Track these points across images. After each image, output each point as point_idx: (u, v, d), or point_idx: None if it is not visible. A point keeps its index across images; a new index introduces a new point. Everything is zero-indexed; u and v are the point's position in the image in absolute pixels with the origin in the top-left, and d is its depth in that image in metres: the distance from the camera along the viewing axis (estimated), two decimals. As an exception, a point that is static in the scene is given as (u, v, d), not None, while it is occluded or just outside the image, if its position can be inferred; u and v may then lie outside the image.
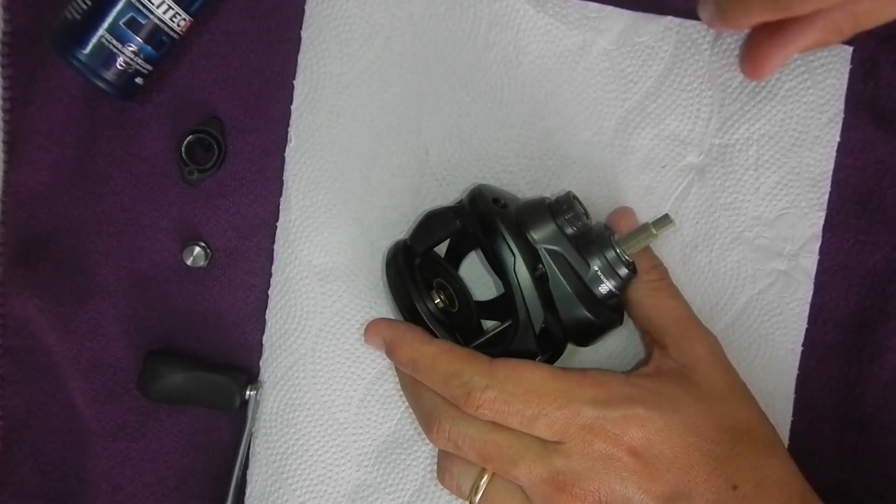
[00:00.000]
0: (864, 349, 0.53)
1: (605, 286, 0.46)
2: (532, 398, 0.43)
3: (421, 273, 0.48)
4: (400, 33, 0.52)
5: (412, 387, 0.47)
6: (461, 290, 0.51)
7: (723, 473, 0.43)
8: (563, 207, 0.46)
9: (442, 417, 0.45)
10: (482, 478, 0.45)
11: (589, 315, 0.45)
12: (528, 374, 0.43)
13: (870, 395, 0.53)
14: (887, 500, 0.53)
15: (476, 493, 0.45)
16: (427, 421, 0.46)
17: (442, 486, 0.48)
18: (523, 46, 0.52)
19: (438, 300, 0.49)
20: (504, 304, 0.51)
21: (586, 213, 0.47)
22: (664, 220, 0.46)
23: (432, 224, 0.48)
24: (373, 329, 0.49)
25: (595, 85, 0.52)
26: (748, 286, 0.53)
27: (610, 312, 0.47)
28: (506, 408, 0.43)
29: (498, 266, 0.45)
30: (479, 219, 0.46)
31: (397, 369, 0.49)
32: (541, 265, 0.45)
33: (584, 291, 0.45)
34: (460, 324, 0.49)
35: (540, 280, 0.45)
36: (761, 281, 0.53)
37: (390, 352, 0.47)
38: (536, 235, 0.45)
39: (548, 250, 0.45)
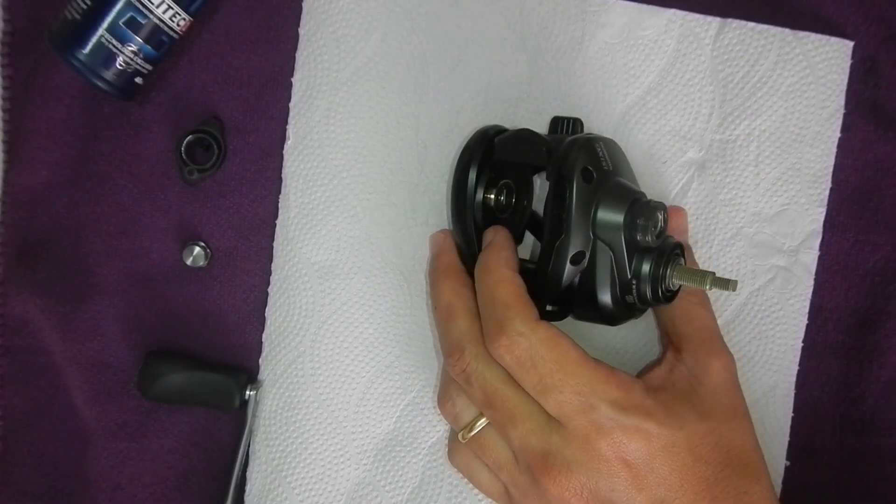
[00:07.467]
0: (864, 349, 0.53)
1: (631, 297, 0.45)
2: (556, 370, 0.42)
3: (494, 166, 0.49)
4: (396, 29, 0.52)
5: (449, 307, 0.47)
6: (521, 200, 0.51)
7: (708, 494, 0.43)
8: (639, 217, 0.45)
9: (466, 348, 0.45)
10: (481, 418, 0.45)
11: (597, 311, 0.46)
12: (564, 348, 0.43)
13: (870, 395, 0.53)
14: (887, 500, 0.53)
15: (470, 430, 0.46)
16: (451, 346, 0.46)
17: (440, 411, 0.48)
18: (521, 41, 0.52)
19: (491, 196, 0.49)
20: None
21: (663, 230, 0.46)
22: (724, 282, 0.44)
23: (521, 145, 0.48)
24: (496, 231, 0.49)
25: (596, 79, 0.52)
26: (748, 282, 0.53)
27: (620, 313, 0.46)
28: (528, 365, 0.42)
29: (539, 234, 0.46)
30: (556, 180, 0.45)
31: (442, 287, 0.49)
32: (584, 251, 0.45)
33: (610, 290, 0.45)
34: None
35: (574, 263, 0.45)
36: (761, 277, 0.53)
37: (487, 249, 0.47)
38: (599, 223, 0.45)
39: (601, 241, 0.45)
